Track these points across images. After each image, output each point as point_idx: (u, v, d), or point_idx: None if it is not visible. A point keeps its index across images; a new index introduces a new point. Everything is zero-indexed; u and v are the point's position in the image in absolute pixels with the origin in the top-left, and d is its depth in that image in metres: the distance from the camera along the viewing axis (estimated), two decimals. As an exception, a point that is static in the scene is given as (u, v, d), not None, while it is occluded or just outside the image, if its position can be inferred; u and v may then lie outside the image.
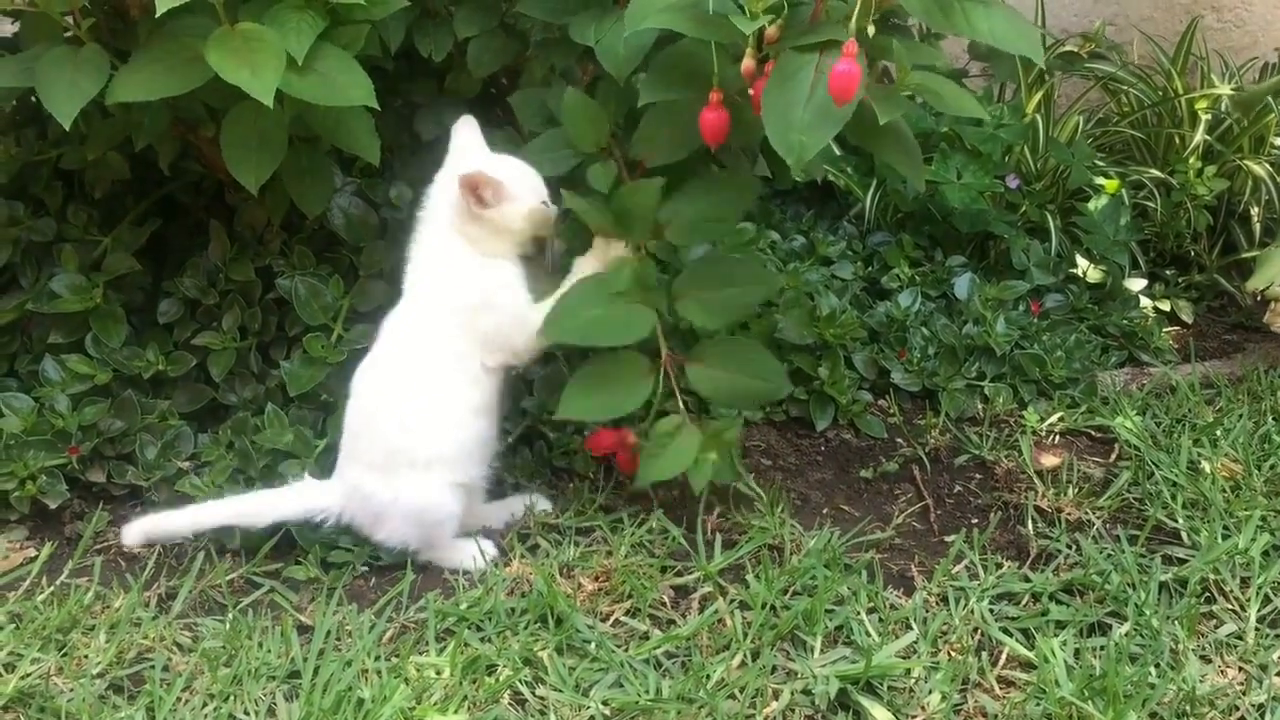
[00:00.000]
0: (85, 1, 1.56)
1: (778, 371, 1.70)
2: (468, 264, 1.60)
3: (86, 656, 1.47)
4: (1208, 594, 1.63)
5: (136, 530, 1.65)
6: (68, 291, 1.81)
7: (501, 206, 1.59)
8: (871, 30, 1.40)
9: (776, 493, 1.81)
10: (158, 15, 1.41)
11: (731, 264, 1.67)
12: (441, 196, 1.62)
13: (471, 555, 1.64)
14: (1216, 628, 1.58)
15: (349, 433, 1.63)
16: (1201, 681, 1.48)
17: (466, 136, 1.64)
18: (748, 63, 1.46)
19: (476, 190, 1.57)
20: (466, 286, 1.60)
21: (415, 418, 1.59)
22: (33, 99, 1.83)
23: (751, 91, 1.49)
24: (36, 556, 1.66)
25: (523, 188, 1.61)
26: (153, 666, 1.46)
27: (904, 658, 1.50)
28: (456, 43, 1.85)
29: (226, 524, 1.64)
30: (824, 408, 2.01)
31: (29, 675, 1.43)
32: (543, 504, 1.75)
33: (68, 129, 1.51)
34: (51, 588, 1.60)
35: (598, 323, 1.59)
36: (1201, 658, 1.53)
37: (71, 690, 1.42)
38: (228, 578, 1.62)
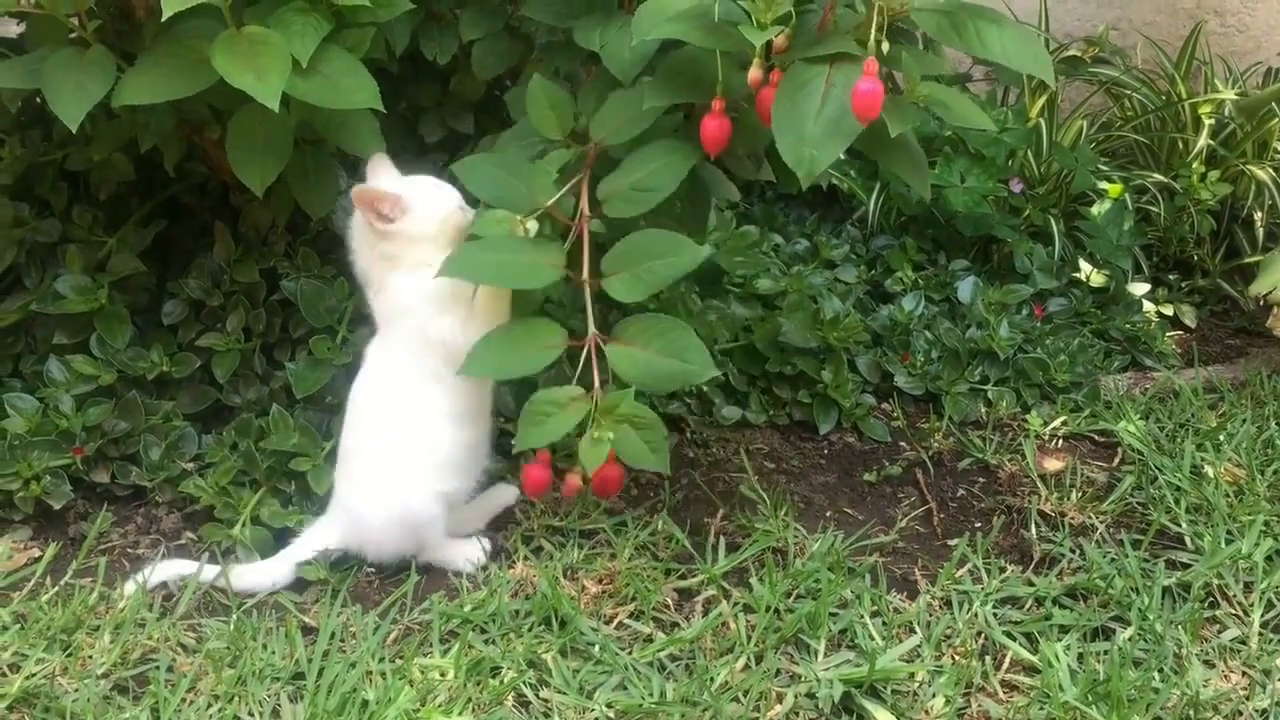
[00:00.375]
0: (91, 3, 1.56)
1: (699, 350, 1.56)
2: (399, 282, 1.59)
3: (91, 657, 1.47)
4: (1211, 599, 1.63)
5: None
6: (72, 292, 1.81)
7: (405, 218, 1.57)
8: (886, 47, 1.40)
9: (780, 496, 1.81)
10: (164, 18, 1.41)
11: (652, 236, 1.57)
12: (358, 230, 1.62)
13: (465, 557, 1.65)
14: (1220, 633, 1.58)
15: (341, 457, 1.64)
16: (1205, 686, 1.48)
17: (378, 170, 1.62)
18: (754, 73, 1.46)
19: (374, 206, 1.55)
20: (406, 303, 1.59)
21: (399, 432, 1.60)
22: (37, 100, 1.83)
23: (758, 100, 1.49)
24: (41, 557, 1.66)
25: (425, 197, 1.59)
26: (157, 667, 1.46)
27: (908, 661, 1.50)
28: (461, 46, 1.85)
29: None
30: (827, 411, 2.02)
31: (34, 675, 1.43)
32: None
33: (74, 131, 1.51)
34: (56, 588, 1.60)
35: (498, 266, 1.53)
36: (1205, 662, 1.53)
37: (76, 691, 1.42)
38: (232, 579, 1.63)
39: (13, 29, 1.82)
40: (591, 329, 1.56)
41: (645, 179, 1.56)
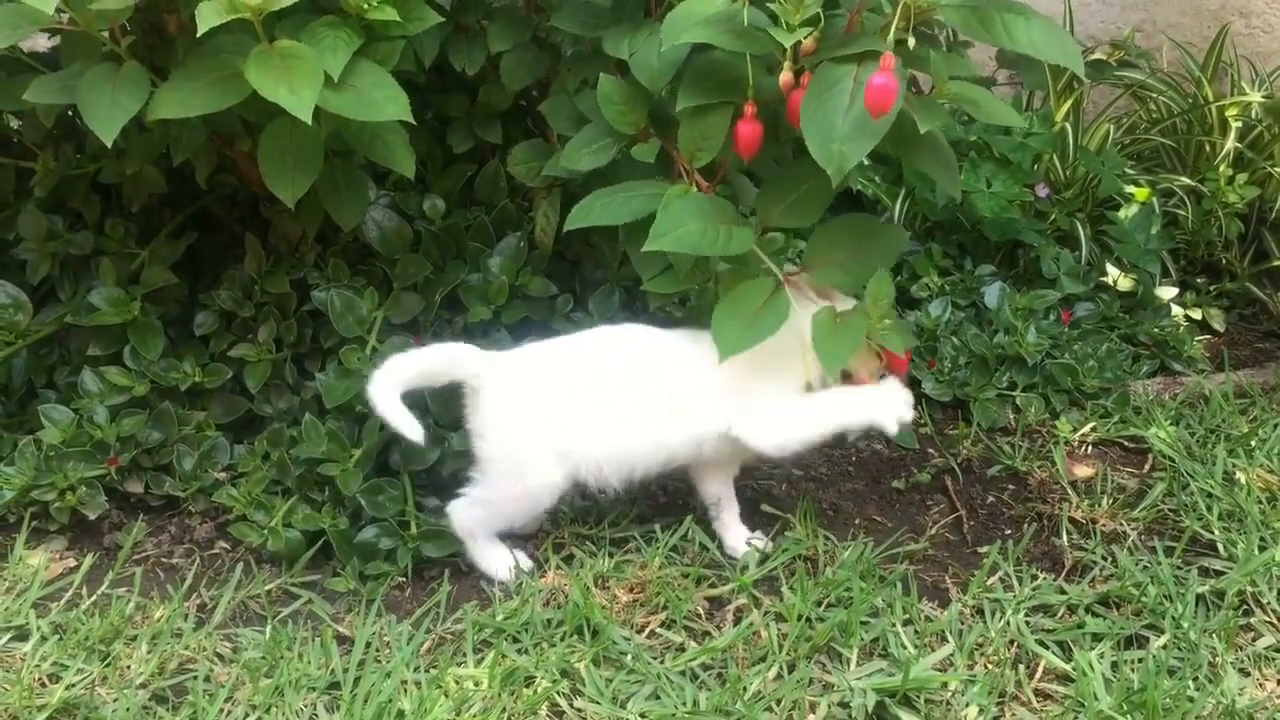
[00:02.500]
0: (125, 19, 1.58)
1: (882, 225, 1.69)
2: None
3: (129, 667, 1.49)
4: (1245, 606, 1.63)
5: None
6: (106, 304, 1.83)
7: None
8: (912, 42, 1.40)
9: (809, 504, 1.81)
10: (199, 34, 1.43)
11: (855, 222, 1.68)
12: None
13: (502, 564, 1.66)
14: (1254, 640, 1.57)
15: None
16: (1240, 695, 1.47)
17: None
18: (785, 75, 1.47)
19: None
20: None
21: None
22: (71, 114, 1.85)
23: (789, 103, 1.49)
24: (77, 567, 1.67)
25: None
26: (195, 677, 1.47)
27: (941, 670, 1.50)
28: (489, 57, 1.86)
29: None
30: (855, 418, 2.01)
31: (74, 686, 1.45)
32: None
33: (108, 146, 1.53)
34: (93, 598, 1.62)
35: (701, 234, 1.56)
36: (1240, 670, 1.52)
37: (115, 700, 1.43)
38: (266, 588, 1.64)
39: (46, 44, 1.83)
40: (780, 274, 1.59)
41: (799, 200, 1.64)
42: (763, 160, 1.67)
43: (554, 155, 1.79)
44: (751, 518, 1.78)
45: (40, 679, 1.47)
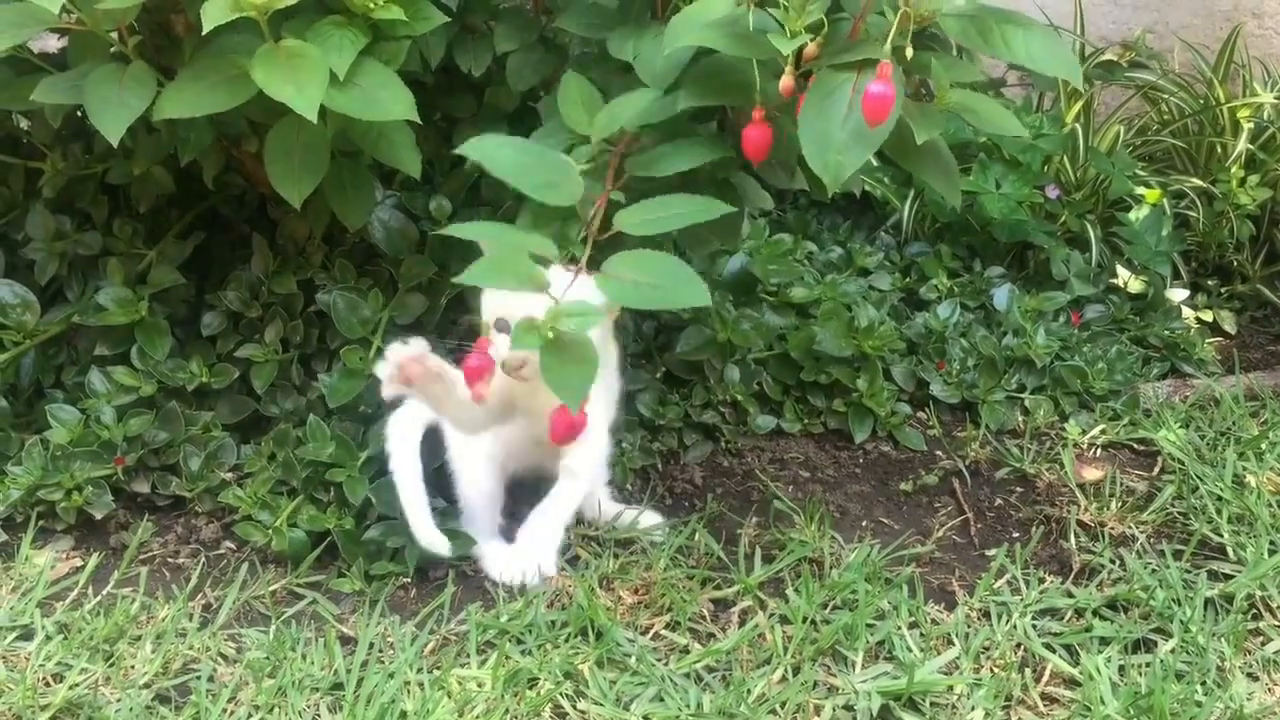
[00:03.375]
0: (132, 19, 1.58)
1: (690, 277, 1.43)
2: None
3: (133, 667, 1.49)
4: (1254, 611, 1.61)
5: None
6: (113, 304, 1.83)
7: None
8: (910, 51, 1.39)
9: (815, 505, 1.81)
10: (204, 33, 1.43)
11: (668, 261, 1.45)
12: None
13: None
14: (1264, 645, 1.56)
15: None
16: (1249, 700, 1.46)
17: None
18: (787, 81, 1.46)
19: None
20: None
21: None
22: (79, 114, 1.85)
23: (798, 108, 1.48)
24: (83, 566, 1.68)
25: None
26: (198, 677, 1.47)
27: (946, 674, 1.49)
28: (496, 57, 1.85)
29: None
30: (862, 420, 2.01)
31: (77, 685, 1.45)
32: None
33: (115, 146, 1.53)
34: (98, 598, 1.62)
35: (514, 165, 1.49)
36: (1249, 675, 1.51)
37: (119, 700, 1.43)
38: (270, 589, 1.64)
39: (54, 45, 1.84)
40: (583, 260, 1.46)
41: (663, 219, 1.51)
42: (765, 163, 1.66)
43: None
44: (758, 518, 1.78)
45: (44, 678, 1.47)
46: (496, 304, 1.49)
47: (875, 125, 1.37)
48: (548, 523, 1.65)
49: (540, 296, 1.35)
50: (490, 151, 1.52)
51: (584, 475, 1.65)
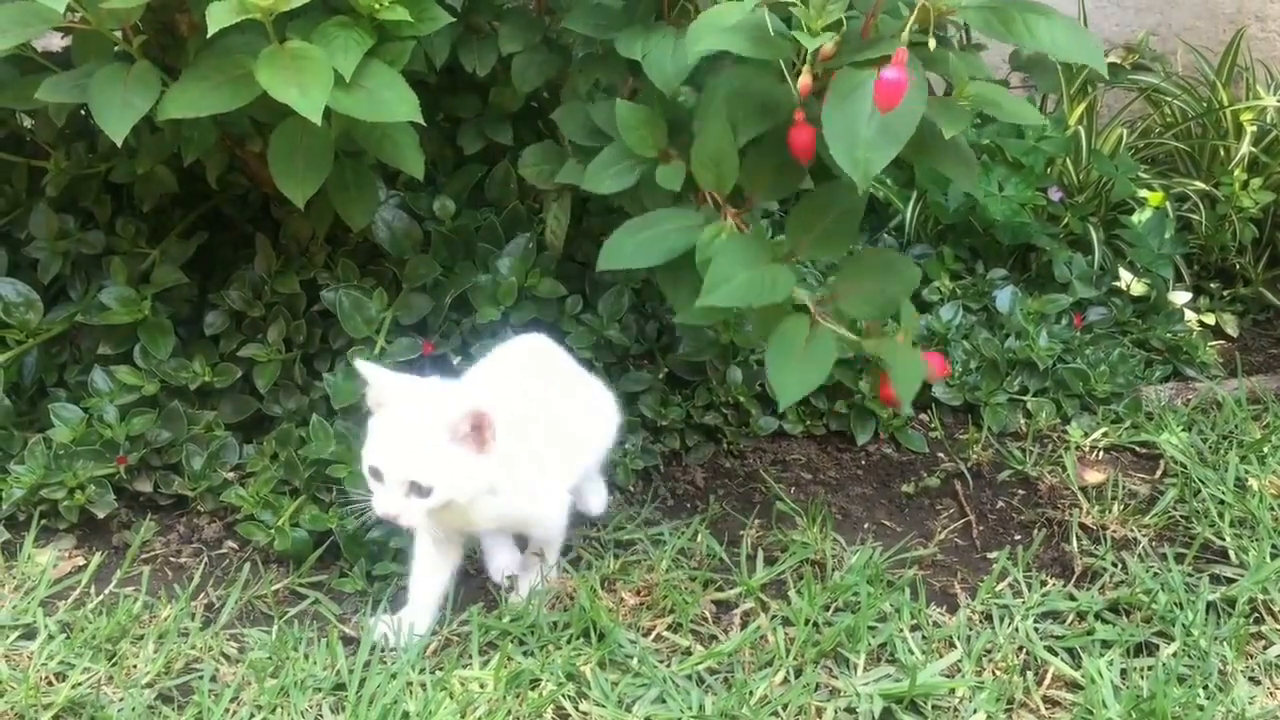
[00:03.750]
0: (137, 19, 1.58)
1: (899, 258, 1.65)
2: None
3: (136, 666, 1.49)
4: (1256, 614, 1.62)
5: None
6: (116, 303, 1.83)
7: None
8: (933, 43, 1.39)
9: (817, 507, 1.81)
10: (209, 34, 1.43)
11: (878, 254, 1.68)
12: None
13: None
14: (1265, 649, 1.56)
15: None
16: (1250, 703, 1.46)
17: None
18: (805, 80, 1.46)
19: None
20: None
21: None
22: (83, 113, 1.85)
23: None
24: (85, 565, 1.68)
25: None
26: (200, 677, 1.47)
27: (948, 677, 1.49)
28: (500, 58, 1.85)
29: None
30: (865, 422, 2.01)
31: (80, 685, 1.45)
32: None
33: (119, 145, 1.53)
34: (100, 597, 1.62)
35: (750, 285, 1.51)
36: (1250, 679, 1.51)
37: (121, 700, 1.44)
38: (273, 588, 1.64)
39: (58, 43, 1.84)
40: (810, 304, 1.57)
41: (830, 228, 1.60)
42: (788, 185, 1.64)
43: (567, 161, 1.79)
44: (760, 519, 1.78)
45: (47, 677, 1.47)
46: (371, 454, 1.41)
47: (886, 110, 1.37)
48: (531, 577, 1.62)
49: (414, 447, 1.39)
50: (730, 289, 1.49)
51: (554, 543, 1.63)
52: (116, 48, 1.60)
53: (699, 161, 1.55)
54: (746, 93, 1.54)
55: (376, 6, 1.54)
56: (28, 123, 1.98)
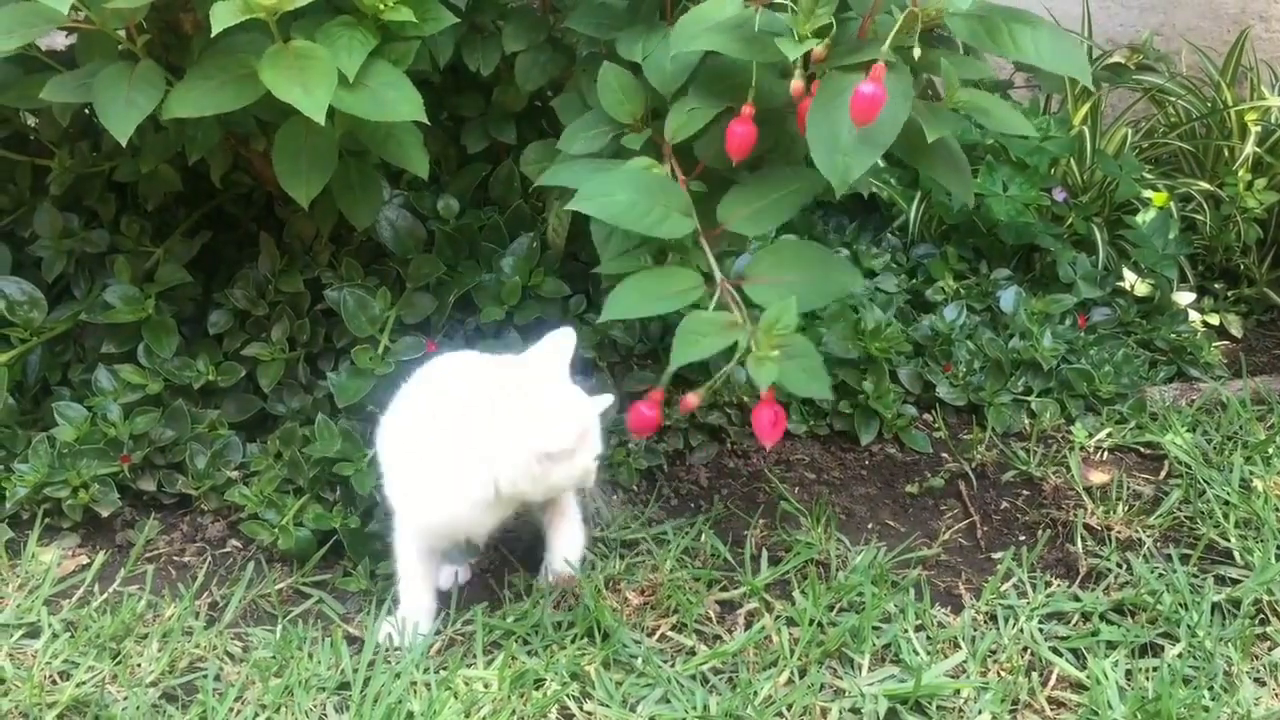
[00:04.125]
0: (141, 18, 1.58)
1: (838, 261, 1.63)
2: None
3: (140, 665, 1.49)
4: (1261, 615, 1.61)
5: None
6: (120, 302, 1.83)
7: None
8: (917, 52, 1.39)
9: (821, 507, 1.80)
10: (213, 34, 1.43)
11: (766, 175, 1.57)
12: None
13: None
14: (1271, 650, 1.56)
15: None
16: (1256, 705, 1.46)
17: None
18: (796, 83, 1.46)
19: None
20: None
21: None
22: (87, 112, 1.85)
23: (799, 110, 1.48)
24: (89, 564, 1.68)
25: None
26: (205, 676, 1.47)
27: (953, 677, 1.49)
28: (504, 57, 1.86)
29: None
30: (868, 422, 2.01)
31: (84, 684, 1.45)
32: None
33: (123, 144, 1.53)
34: (104, 595, 1.62)
35: (620, 206, 1.49)
36: (1256, 680, 1.51)
37: (125, 699, 1.44)
38: (277, 588, 1.64)
39: (62, 43, 1.84)
40: (719, 275, 1.53)
41: (767, 207, 1.57)
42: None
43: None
44: (765, 519, 1.78)
45: (51, 676, 1.47)
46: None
47: (862, 125, 1.37)
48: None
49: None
50: (603, 201, 1.50)
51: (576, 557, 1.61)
52: (121, 47, 1.60)
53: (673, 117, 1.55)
54: (730, 69, 1.55)
55: (381, 6, 1.54)
56: (32, 121, 1.98)
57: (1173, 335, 2.28)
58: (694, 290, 1.51)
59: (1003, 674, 1.50)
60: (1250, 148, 2.51)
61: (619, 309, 1.51)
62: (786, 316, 1.45)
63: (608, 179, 1.53)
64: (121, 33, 1.58)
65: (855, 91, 1.36)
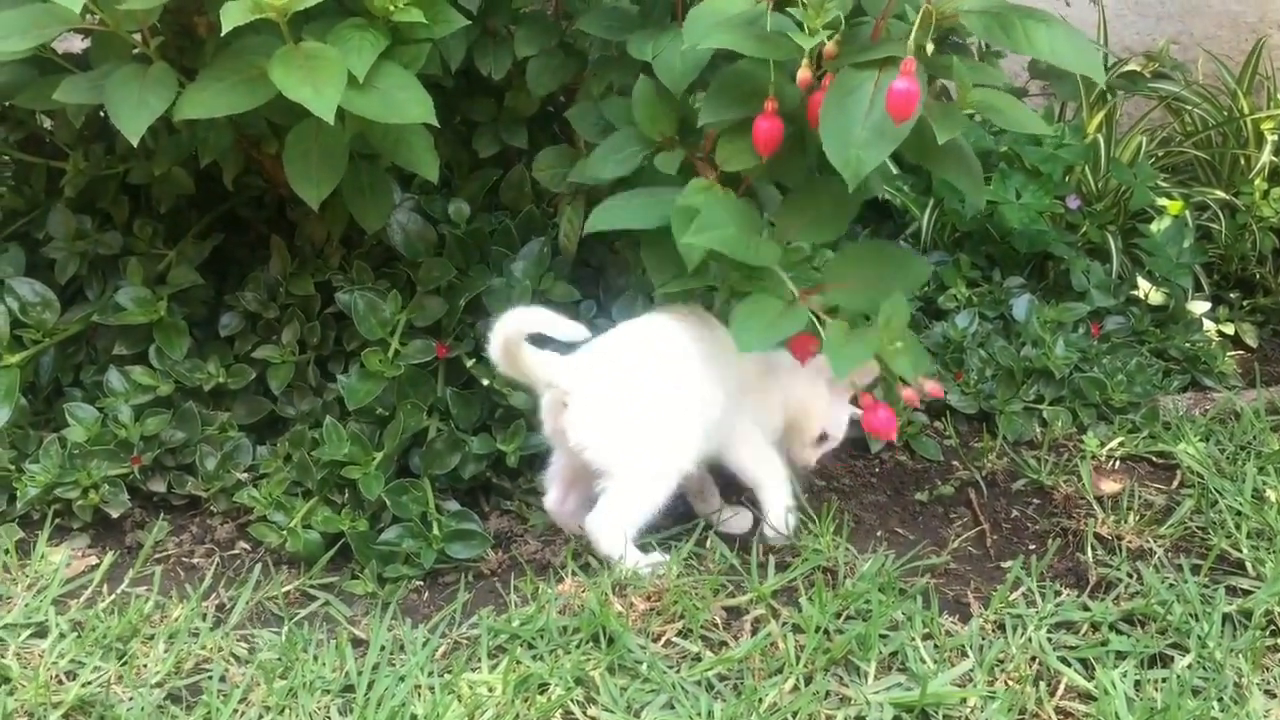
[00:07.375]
0: (154, 20, 1.59)
1: (904, 254, 1.71)
2: None
3: (145, 666, 1.49)
4: (1273, 627, 1.60)
5: None
6: (132, 304, 1.84)
7: None
8: (930, 49, 1.39)
9: (830, 514, 1.79)
10: (223, 34, 1.44)
11: (880, 247, 1.72)
12: None
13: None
14: (1282, 662, 1.54)
15: None
16: (1266, 717, 1.44)
17: None
18: (803, 74, 1.46)
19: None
20: None
21: None
22: (101, 114, 1.86)
23: (809, 104, 1.49)
24: (98, 565, 1.68)
25: None
26: (210, 677, 1.47)
27: (960, 686, 1.48)
28: (516, 61, 1.86)
29: None
30: (879, 429, 2.00)
31: (90, 683, 1.45)
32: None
33: (135, 146, 1.54)
34: (112, 596, 1.63)
35: (737, 239, 1.54)
36: (1266, 693, 1.49)
37: (131, 699, 1.44)
38: (284, 590, 1.64)
39: (77, 45, 1.85)
40: (793, 288, 1.57)
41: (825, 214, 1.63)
42: (791, 171, 1.65)
43: (579, 161, 1.79)
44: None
45: (57, 676, 1.47)
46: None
47: (901, 121, 1.38)
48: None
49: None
50: (719, 234, 1.52)
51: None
52: (134, 49, 1.61)
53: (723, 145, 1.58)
54: (744, 76, 1.56)
55: (391, 8, 1.55)
56: (47, 124, 1.99)
57: (1187, 344, 2.26)
58: (797, 309, 1.55)
59: (1010, 683, 1.49)
60: (1267, 156, 2.50)
61: (751, 342, 1.54)
62: (899, 312, 1.51)
63: (712, 212, 1.54)
64: (136, 35, 1.59)
65: (890, 89, 1.37)
